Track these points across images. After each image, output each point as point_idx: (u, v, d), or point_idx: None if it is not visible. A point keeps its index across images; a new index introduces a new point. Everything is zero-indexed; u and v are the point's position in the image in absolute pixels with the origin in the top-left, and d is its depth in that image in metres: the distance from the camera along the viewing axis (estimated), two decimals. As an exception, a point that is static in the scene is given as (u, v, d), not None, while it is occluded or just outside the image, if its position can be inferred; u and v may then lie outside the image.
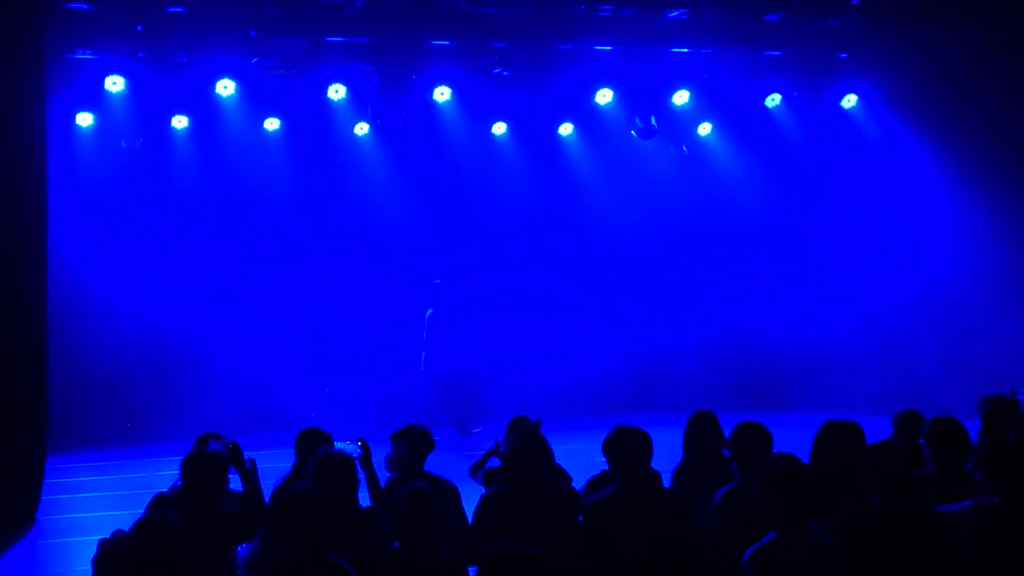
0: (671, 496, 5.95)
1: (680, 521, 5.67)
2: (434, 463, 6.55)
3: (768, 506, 4.94)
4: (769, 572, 4.83)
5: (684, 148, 16.39)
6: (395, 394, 15.51)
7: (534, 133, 16.10)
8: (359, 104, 14.41)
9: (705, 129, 16.24)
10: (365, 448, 6.44)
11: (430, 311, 14.44)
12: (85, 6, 12.10)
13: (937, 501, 5.40)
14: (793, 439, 6.63)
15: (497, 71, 14.49)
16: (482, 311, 15.02)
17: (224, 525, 5.76)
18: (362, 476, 6.40)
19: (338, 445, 6.45)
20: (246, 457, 6.55)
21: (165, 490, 6.35)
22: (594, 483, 6.48)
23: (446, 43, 13.79)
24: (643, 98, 14.97)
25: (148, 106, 13.76)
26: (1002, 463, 5.15)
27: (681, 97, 15.22)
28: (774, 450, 5.92)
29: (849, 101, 15.82)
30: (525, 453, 5.78)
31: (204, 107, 14.09)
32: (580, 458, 6.38)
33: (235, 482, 6.60)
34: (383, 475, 6.62)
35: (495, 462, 6.94)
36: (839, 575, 4.86)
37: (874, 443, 5.61)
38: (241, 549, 6.39)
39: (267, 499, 6.59)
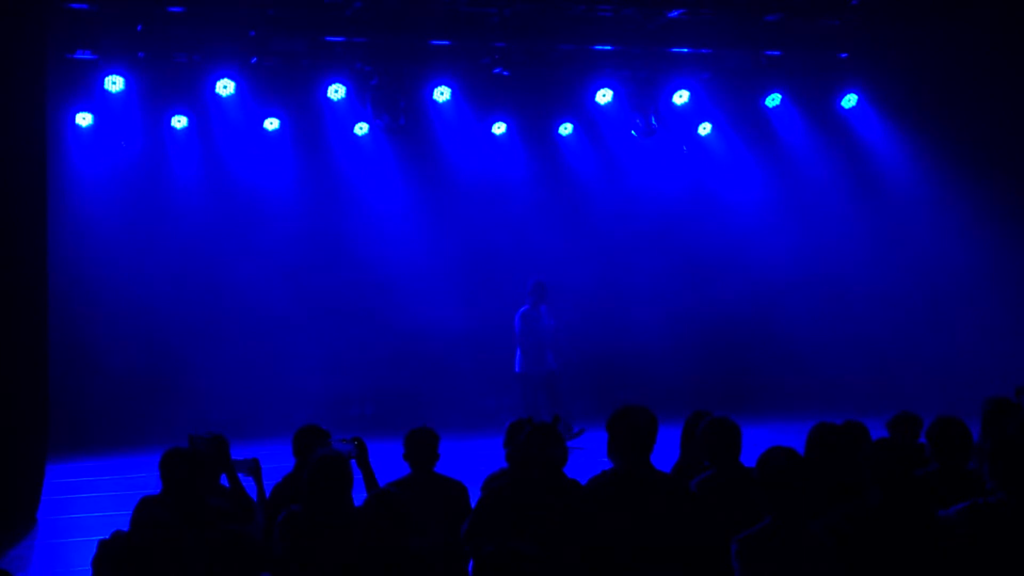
0: (672, 481, 5.93)
1: (681, 507, 5.66)
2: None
3: (767, 494, 4.98)
4: (760, 557, 4.84)
5: (684, 148, 16.41)
6: (395, 393, 15.53)
7: (534, 133, 16.12)
8: (359, 104, 14.42)
9: (705, 129, 16.25)
10: (362, 447, 6.42)
11: (523, 309, 13.69)
12: (85, 6, 12.11)
13: (939, 500, 5.40)
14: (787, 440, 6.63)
15: (497, 71, 14.49)
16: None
17: (210, 521, 5.71)
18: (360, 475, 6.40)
19: (335, 444, 6.43)
20: (249, 456, 6.55)
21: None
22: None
23: (446, 43, 13.80)
24: (643, 98, 14.98)
25: (148, 106, 13.78)
26: (1010, 456, 5.13)
27: (681, 97, 15.23)
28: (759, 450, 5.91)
29: (849, 101, 15.84)
30: (534, 446, 5.71)
31: (204, 107, 14.11)
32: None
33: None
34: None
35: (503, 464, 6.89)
36: (833, 570, 4.86)
37: (875, 441, 5.61)
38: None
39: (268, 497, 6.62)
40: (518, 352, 13.61)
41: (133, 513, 5.67)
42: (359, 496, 5.93)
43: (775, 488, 4.98)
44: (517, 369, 13.63)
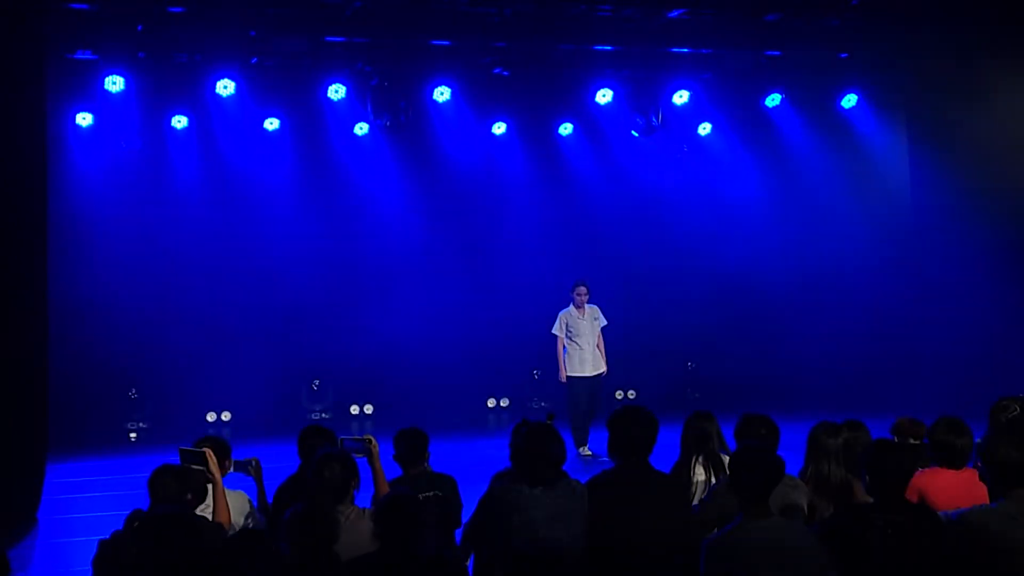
0: (670, 480, 5.94)
1: (679, 507, 5.66)
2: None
3: (736, 490, 4.99)
4: (726, 556, 4.83)
5: (684, 148, 16.42)
6: (395, 393, 15.53)
7: (534, 133, 16.12)
8: (359, 104, 14.41)
9: (705, 129, 16.26)
10: (373, 445, 6.43)
11: (563, 310, 12.87)
12: (85, 6, 12.08)
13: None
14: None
15: (497, 71, 14.49)
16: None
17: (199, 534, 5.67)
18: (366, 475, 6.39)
19: (346, 443, 6.43)
20: (249, 456, 6.55)
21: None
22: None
23: (446, 43, 13.79)
24: (643, 98, 14.98)
25: (148, 106, 13.78)
26: (998, 461, 5.14)
27: (681, 97, 15.23)
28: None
29: (849, 101, 15.84)
30: (530, 444, 5.69)
31: (204, 107, 14.11)
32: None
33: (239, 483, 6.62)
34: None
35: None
36: (820, 570, 4.83)
37: (875, 440, 5.61)
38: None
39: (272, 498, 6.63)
40: (566, 356, 12.78)
41: (124, 524, 5.65)
42: (367, 495, 5.95)
43: (742, 487, 4.98)
44: (560, 373, 12.84)
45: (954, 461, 5.92)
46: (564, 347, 12.74)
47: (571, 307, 12.80)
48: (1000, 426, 6.56)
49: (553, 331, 12.82)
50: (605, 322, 12.91)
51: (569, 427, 12.26)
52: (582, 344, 12.66)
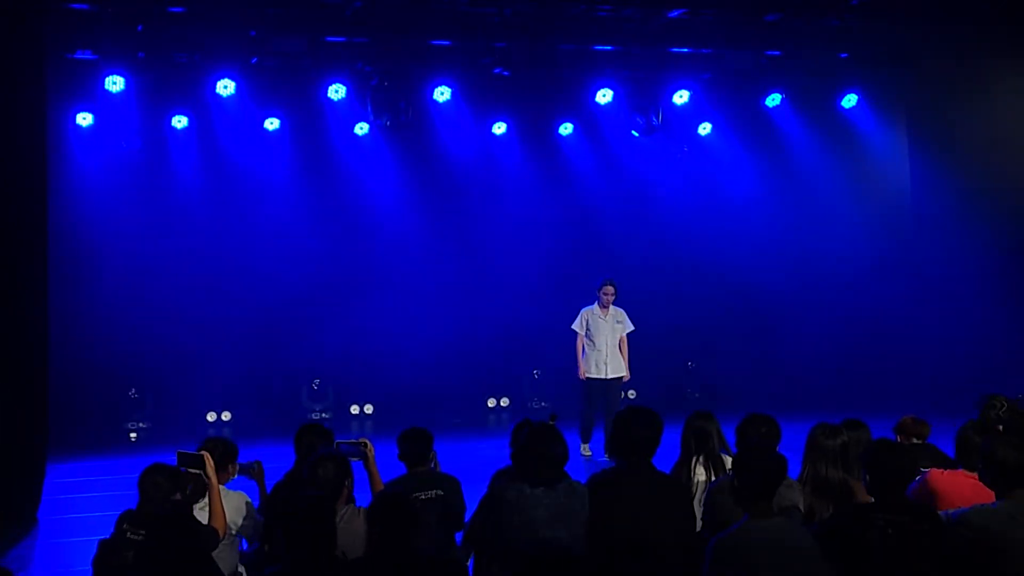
0: (671, 480, 5.95)
1: (679, 507, 5.67)
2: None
3: (738, 491, 4.99)
4: (728, 556, 4.83)
5: (684, 148, 16.42)
6: (395, 393, 15.52)
7: (534, 133, 16.12)
8: (359, 104, 14.42)
9: (705, 129, 16.27)
10: (368, 449, 6.42)
11: (585, 308, 12.49)
12: (85, 6, 12.09)
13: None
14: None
15: (497, 71, 14.49)
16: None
17: (193, 536, 5.64)
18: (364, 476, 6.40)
19: (342, 446, 6.42)
20: (252, 459, 6.54)
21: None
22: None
23: (446, 43, 13.79)
24: (643, 98, 14.98)
25: (148, 106, 13.79)
26: (1002, 461, 5.14)
27: (681, 97, 15.24)
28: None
29: (849, 101, 15.85)
30: (533, 444, 5.69)
31: (204, 107, 14.12)
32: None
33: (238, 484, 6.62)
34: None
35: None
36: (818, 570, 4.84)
37: (875, 440, 5.61)
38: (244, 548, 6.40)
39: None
40: (584, 356, 12.40)
41: (114, 526, 5.63)
42: (365, 499, 5.94)
43: (745, 485, 4.98)
44: (579, 370, 12.43)
45: (970, 460, 5.90)
46: (583, 346, 12.40)
47: (595, 305, 12.42)
48: (989, 422, 6.58)
49: (573, 327, 12.50)
50: (631, 327, 12.53)
51: (579, 426, 12.21)
52: (599, 345, 12.31)
